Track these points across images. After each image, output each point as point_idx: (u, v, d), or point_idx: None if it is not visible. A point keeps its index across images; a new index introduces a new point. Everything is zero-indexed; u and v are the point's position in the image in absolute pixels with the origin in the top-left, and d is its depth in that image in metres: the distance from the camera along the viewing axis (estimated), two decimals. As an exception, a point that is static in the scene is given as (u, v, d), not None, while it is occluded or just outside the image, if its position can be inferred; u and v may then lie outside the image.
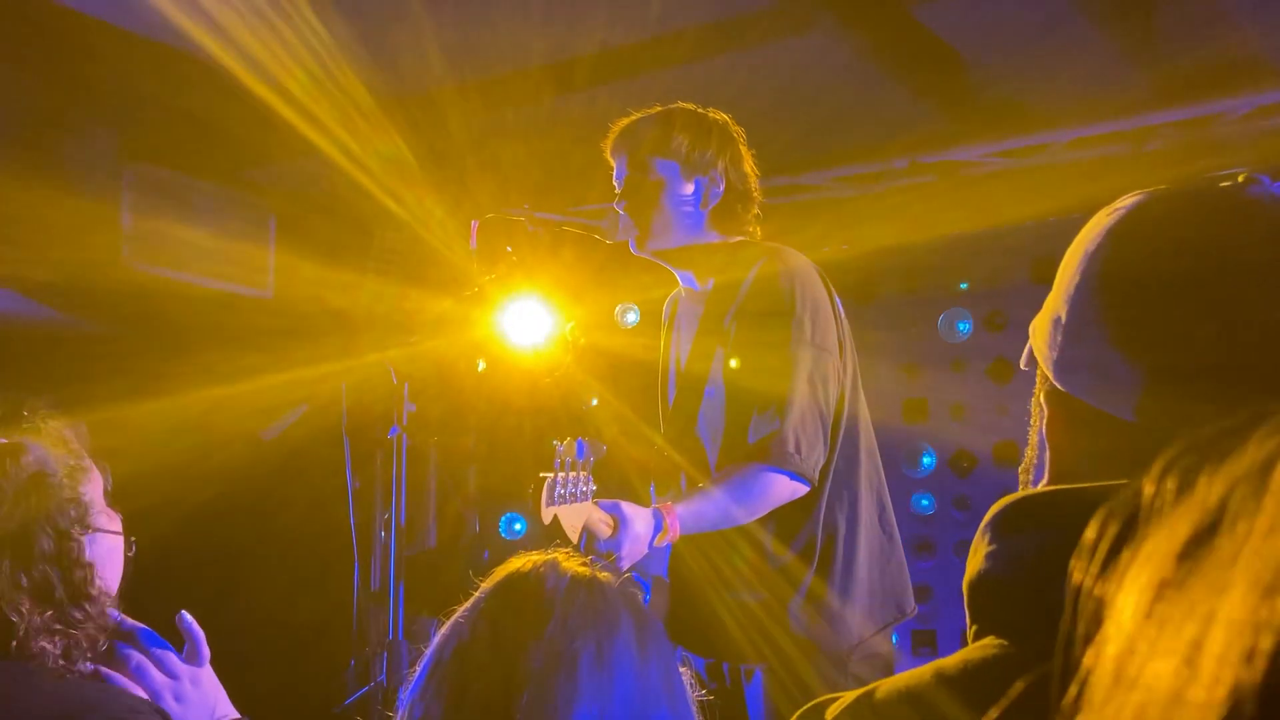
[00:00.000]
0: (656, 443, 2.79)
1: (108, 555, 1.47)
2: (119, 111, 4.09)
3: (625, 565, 2.33)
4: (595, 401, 4.08)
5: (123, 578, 1.53)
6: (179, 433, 3.89)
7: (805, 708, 0.93)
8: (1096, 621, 0.48)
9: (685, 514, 2.38)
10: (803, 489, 2.42)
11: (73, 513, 1.40)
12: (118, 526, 1.52)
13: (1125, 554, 0.49)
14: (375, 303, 4.64)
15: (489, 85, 3.83)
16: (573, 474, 2.28)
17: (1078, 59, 3.72)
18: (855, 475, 2.53)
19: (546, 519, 2.26)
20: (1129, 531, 0.49)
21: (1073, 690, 0.48)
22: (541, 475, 2.26)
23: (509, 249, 3.30)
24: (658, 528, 2.35)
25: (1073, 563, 0.55)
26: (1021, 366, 1.02)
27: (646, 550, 2.35)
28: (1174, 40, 3.64)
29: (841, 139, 4.34)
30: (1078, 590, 0.52)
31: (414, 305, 4.48)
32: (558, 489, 2.25)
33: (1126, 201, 0.95)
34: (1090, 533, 0.53)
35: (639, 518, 2.33)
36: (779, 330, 2.45)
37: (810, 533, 2.48)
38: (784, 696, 2.41)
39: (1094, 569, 0.51)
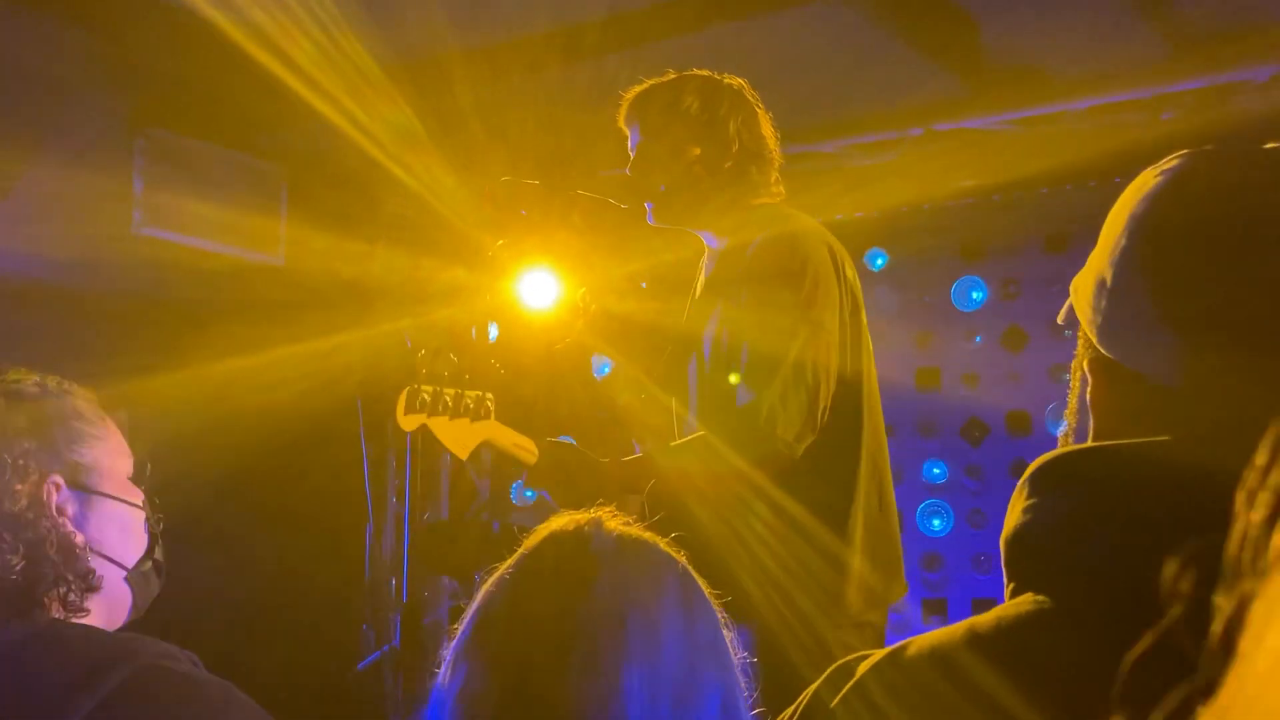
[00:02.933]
0: (663, 401, 2.80)
1: (110, 521, 1.48)
2: (129, 79, 4.08)
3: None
4: (606, 368, 4.07)
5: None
6: (194, 403, 3.91)
7: (835, 665, 0.93)
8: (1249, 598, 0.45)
9: (659, 485, 2.40)
10: (780, 460, 2.40)
11: (43, 459, 1.42)
12: (132, 498, 1.53)
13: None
14: (388, 272, 4.64)
15: (496, 52, 3.81)
16: (446, 389, 2.29)
17: (1095, 25, 3.68)
18: (854, 450, 2.50)
19: (408, 426, 2.27)
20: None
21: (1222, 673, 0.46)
22: (409, 385, 2.28)
23: (522, 213, 3.29)
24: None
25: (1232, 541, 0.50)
26: (1059, 322, 1.01)
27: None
28: (1194, 6, 3.59)
29: (857, 106, 4.30)
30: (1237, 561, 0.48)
31: (426, 274, 4.48)
32: (421, 397, 2.26)
33: (1173, 162, 0.93)
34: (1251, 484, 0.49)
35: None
36: (774, 296, 2.42)
37: (801, 505, 2.46)
38: (766, 659, 2.41)
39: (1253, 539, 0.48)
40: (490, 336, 4.50)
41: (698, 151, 2.56)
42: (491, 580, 1.22)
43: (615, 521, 1.24)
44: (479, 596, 1.22)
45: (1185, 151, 0.93)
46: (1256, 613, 0.44)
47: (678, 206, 2.62)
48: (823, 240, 2.52)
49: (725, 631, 1.23)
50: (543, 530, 1.24)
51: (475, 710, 1.14)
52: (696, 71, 2.63)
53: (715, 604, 1.25)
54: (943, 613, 4.65)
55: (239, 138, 4.47)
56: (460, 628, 1.21)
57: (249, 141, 4.51)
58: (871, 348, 2.60)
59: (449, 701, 1.16)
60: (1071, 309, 0.98)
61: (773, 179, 2.63)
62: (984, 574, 4.64)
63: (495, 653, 1.16)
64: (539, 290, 3.73)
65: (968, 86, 4.06)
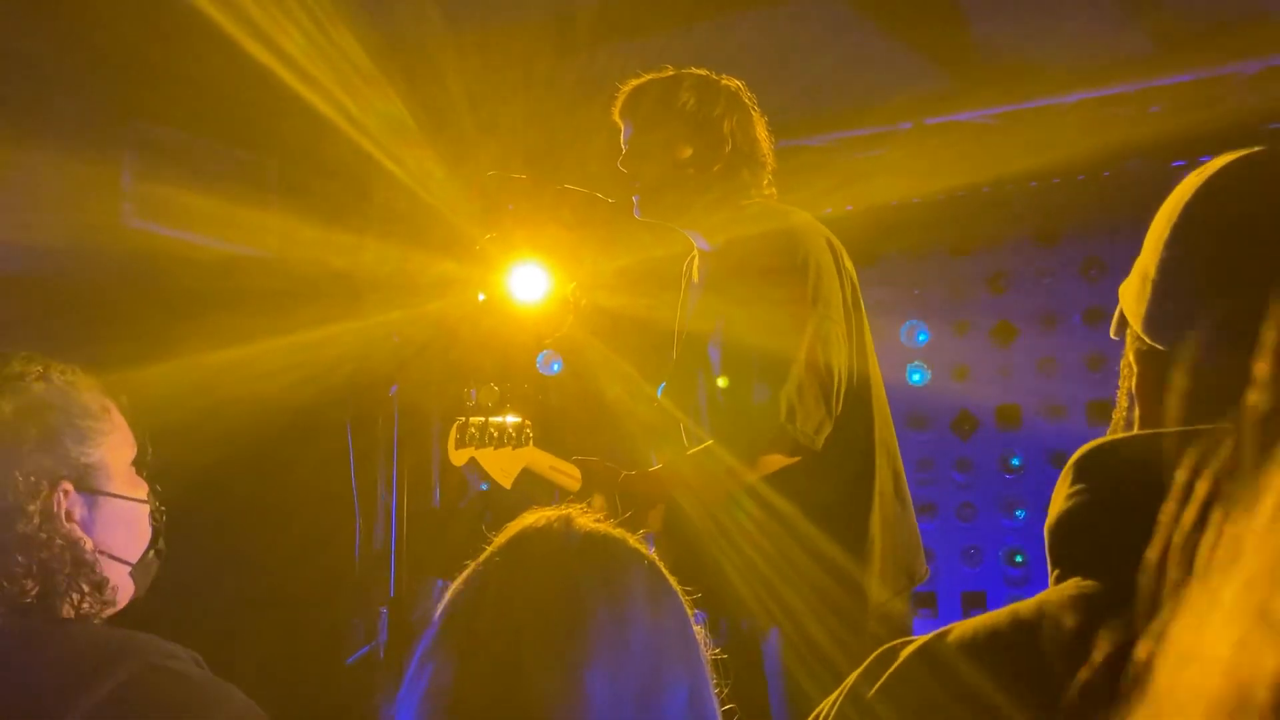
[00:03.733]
0: (660, 400, 2.80)
1: (116, 520, 1.48)
2: (118, 71, 4.06)
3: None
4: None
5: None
6: (183, 395, 3.89)
7: (875, 653, 0.94)
8: (1180, 586, 0.47)
9: (669, 482, 2.41)
10: (802, 452, 2.41)
11: (53, 467, 1.41)
12: (137, 493, 1.53)
13: (1217, 513, 0.48)
14: (378, 264, 4.63)
15: (488, 44, 3.80)
16: (493, 419, 2.33)
17: (1083, 19, 3.68)
18: (869, 439, 2.52)
19: (459, 460, 2.31)
20: (1224, 484, 0.49)
21: (1143, 655, 0.48)
22: (458, 418, 2.32)
23: (510, 207, 3.30)
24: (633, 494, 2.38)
25: (1163, 514, 0.53)
26: (1111, 335, 1.03)
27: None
28: (1181, 2, 3.60)
29: (846, 101, 4.30)
30: (1165, 548, 0.51)
31: (416, 266, 4.48)
32: (470, 431, 2.30)
33: (1217, 164, 0.96)
34: (1179, 483, 0.52)
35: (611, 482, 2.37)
36: (780, 292, 2.43)
37: (824, 496, 2.48)
38: (798, 656, 2.43)
39: (1185, 526, 0.51)
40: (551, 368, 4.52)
41: (690, 150, 2.57)
42: (461, 577, 1.23)
43: (585, 518, 1.24)
44: (449, 593, 1.23)
45: (1229, 153, 0.97)
46: (1181, 625, 0.46)
47: (666, 203, 2.62)
48: (820, 233, 2.53)
49: (694, 626, 1.24)
50: (512, 527, 1.25)
51: (442, 706, 1.14)
52: (694, 69, 2.63)
53: (684, 599, 1.25)
54: (932, 605, 4.67)
55: (229, 129, 4.45)
56: (430, 624, 1.21)
57: (239, 133, 4.50)
58: (872, 343, 2.62)
59: (417, 698, 1.16)
60: (1121, 315, 1.01)
61: (764, 181, 2.63)
62: (973, 567, 4.65)
63: (463, 649, 1.16)
64: (529, 284, 3.72)
65: (957, 81, 4.07)
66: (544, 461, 2.42)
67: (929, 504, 4.74)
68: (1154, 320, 0.95)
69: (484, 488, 5.46)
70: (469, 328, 4.69)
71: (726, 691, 1.25)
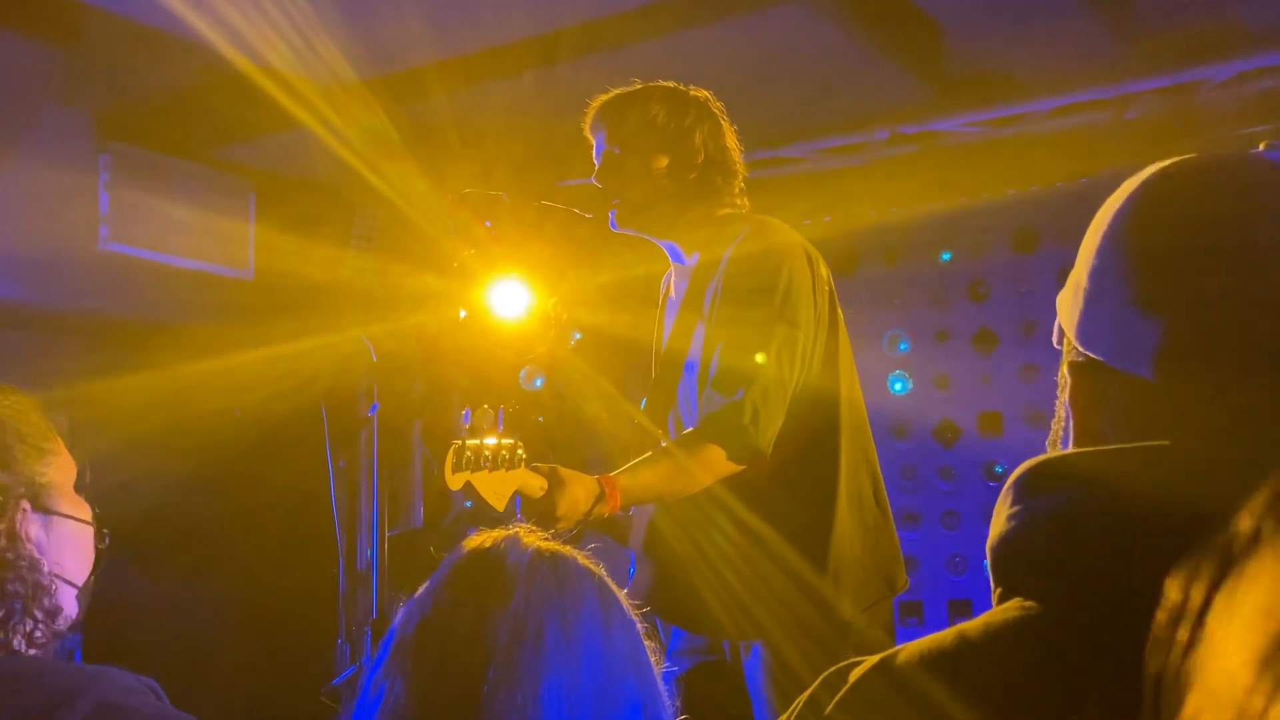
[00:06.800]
0: (637, 418, 2.79)
1: (67, 542, 1.46)
2: (96, 88, 4.05)
3: (562, 526, 2.35)
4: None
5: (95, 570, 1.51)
6: (157, 408, 3.87)
7: (829, 671, 0.93)
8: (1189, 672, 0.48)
9: (629, 484, 2.39)
10: (757, 459, 2.41)
11: (11, 484, 1.38)
12: (85, 515, 1.50)
13: (1220, 600, 0.49)
14: (357, 278, 4.62)
15: (472, 59, 3.80)
16: (488, 440, 2.30)
17: (1057, 27, 3.71)
18: (837, 450, 2.52)
19: (454, 485, 2.28)
20: (1223, 577, 0.50)
21: None
22: (454, 441, 2.29)
23: (488, 224, 3.30)
24: (600, 496, 2.36)
25: (1160, 615, 0.56)
26: (1054, 344, 1.03)
27: (581, 515, 2.35)
28: (1153, 7, 3.64)
29: (823, 111, 4.32)
30: (1170, 636, 0.52)
31: (396, 281, 4.47)
32: (466, 454, 2.27)
33: (1150, 171, 0.96)
34: (1174, 592, 0.54)
35: (574, 481, 2.34)
36: (754, 305, 2.45)
37: (796, 508, 2.48)
38: (783, 670, 2.42)
39: (1188, 619, 0.52)
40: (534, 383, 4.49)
41: (665, 161, 2.58)
42: (411, 600, 1.25)
43: (533, 537, 1.27)
44: (401, 613, 1.24)
45: (1164, 161, 0.97)
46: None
47: (646, 216, 2.63)
48: (796, 245, 2.54)
49: (645, 642, 1.26)
50: (461, 548, 1.27)
51: None
52: (662, 82, 2.65)
53: (634, 615, 1.27)
54: (919, 614, 4.67)
55: (206, 147, 4.44)
56: (381, 646, 1.22)
57: (216, 151, 4.49)
58: (850, 353, 2.62)
59: (371, 717, 1.17)
60: (1060, 327, 1.00)
61: (737, 189, 2.65)
62: (958, 575, 4.65)
63: (414, 670, 1.18)
64: (510, 300, 3.71)
65: (932, 90, 4.09)
66: (535, 483, 2.39)
67: (913, 513, 4.75)
68: (1084, 328, 0.94)
69: (467, 505, 5.43)
70: (449, 343, 4.68)
71: (684, 705, 1.26)
